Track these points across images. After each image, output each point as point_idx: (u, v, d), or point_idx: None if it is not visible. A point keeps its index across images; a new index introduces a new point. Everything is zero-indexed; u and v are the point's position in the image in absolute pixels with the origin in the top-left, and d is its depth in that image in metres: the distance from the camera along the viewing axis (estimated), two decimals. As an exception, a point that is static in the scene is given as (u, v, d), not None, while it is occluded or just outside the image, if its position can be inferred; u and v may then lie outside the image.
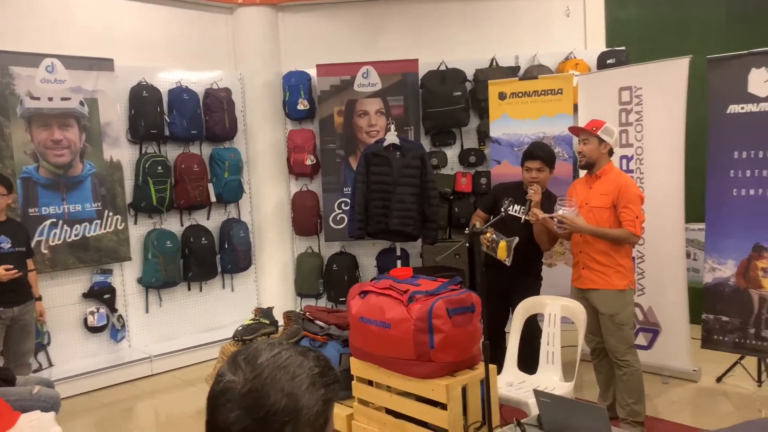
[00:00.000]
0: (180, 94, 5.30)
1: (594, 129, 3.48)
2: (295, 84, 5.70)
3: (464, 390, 2.82)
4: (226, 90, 5.60)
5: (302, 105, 5.69)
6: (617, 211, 3.40)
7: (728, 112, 3.90)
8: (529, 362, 3.46)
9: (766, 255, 3.80)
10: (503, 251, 3.35)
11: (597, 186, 3.51)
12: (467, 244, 3.17)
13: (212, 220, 5.63)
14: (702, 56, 4.06)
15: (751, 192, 3.85)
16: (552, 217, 3.48)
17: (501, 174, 4.99)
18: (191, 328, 5.52)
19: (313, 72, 5.66)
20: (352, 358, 3.15)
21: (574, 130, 3.68)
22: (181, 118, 5.25)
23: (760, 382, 4.01)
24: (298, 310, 4.12)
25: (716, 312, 4.04)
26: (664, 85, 4.08)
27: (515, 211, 3.74)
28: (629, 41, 5.55)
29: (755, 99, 3.80)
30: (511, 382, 3.35)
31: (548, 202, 3.67)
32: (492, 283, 3.71)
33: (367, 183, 4.93)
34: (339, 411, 3.22)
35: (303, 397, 0.98)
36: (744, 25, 5.40)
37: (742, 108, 3.85)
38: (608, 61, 5.33)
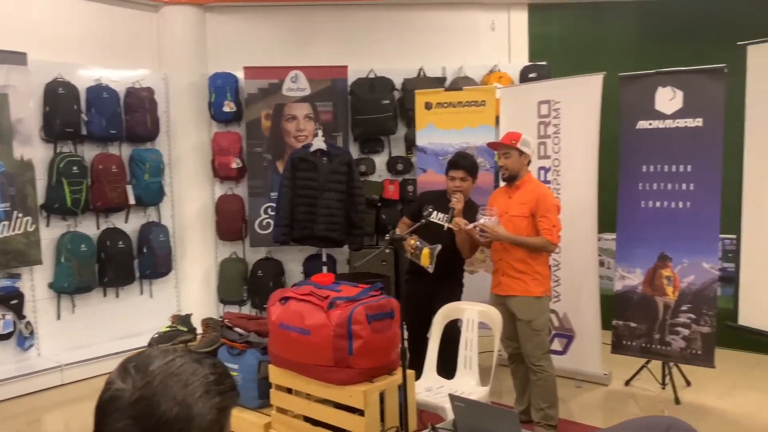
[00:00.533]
0: (99, 92, 5.11)
1: (513, 142, 3.57)
2: (221, 86, 5.60)
3: (382, 396, 2.84)
4: (149, 89, 5.44)
5: (228, 107, 5.60)
6: (536, 220, 3.52)
7: (638, 127, 4.12)
8: (450, 367, 3.52)
9: (670, 264, 4.03)
10: (426, 258, 3.39)
11: (516, 196, 3.61)
12: (387, 250, 3.19)
13: (131, 224, 5.44)
14: (616, 73, 4.27)
15: (658, 204, 4.07)
16: (474, 226, 3.56)
17: (427, 182, 5.07)
18: (106, 336, 5.31)
19: (240, 74, 5.59)
20: (270, 366, 3.12)
21: (494, 145, 3.78)
22: (99, 117, 5.06)
23: (663, 384, 4.23)
24: (217, 317, 4.03)
25: (625, 318, 4.24)
26: (580, 99, 4.26)
27: (438, 219, 3.80)
28: (551, 56, 5.76)
29: (662, 116, 4.02)
30: (430, 387, 3.40)
31: (471, 210, 3.75)
32: (415, 289, 3.78)
33: (294, 188, 4.90)
34: (256, 419, 3.17)
35: (196, 405, 0.95)
36: (654, 46, 5.71)
37: (650, 124, 4.07)
38: (530, 75, 5.52)
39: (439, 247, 3.49)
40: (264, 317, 3.57)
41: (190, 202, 5.79)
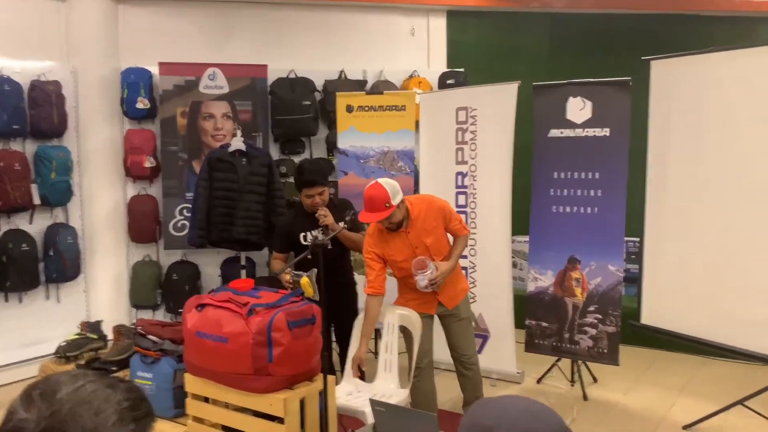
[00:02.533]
0: (1, 84, 4.79)
1: (387, 205, 3.23)
2: (134, 81, 5.38)
3: (303, 402, 2.83)
4: (56, 83, 5.14)
5: (142, 104, 5.39)
6: (449, 228, 3.51)
7: (549, 135, 4.29)
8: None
9: (579, 266, 4.22)
10: (308, 287, 3.13)
11: (415, 228, 3.43)
12: (309, 256, 3.17)
13: (36, 225, 5.13)
14: (530, 82, 4.43)
15: (568, 209, 4.26)
16: (426, 288, 3.40)
17: (348, 185, 5.07)
18: (8, 344, 4.98)
19: (155, 70, 5.39)
20: (186, 374, 3.04)
21: (368, 219, 3.34)
22: (1, 111, 4.75)
23: (573, 381, 4.43)
24: (130, 324, 3.88)
25: (537, 318, 4.41)
26: (496, 107, 4.39)
27: (319, 240, 3.74)
28: (468, 63, 5.90)
29: (572, 125, 4.21)
30: (350, 392, 3.41)
31: (337, 210, 3.83)
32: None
33: (211, 189, 4.78)
34: (172, 429, 3.09)
35: None
36: (567, 57, 5.97)
37: (561, 132, 4.25)
38: (448, 81, 5.63)
39: (314, 271, 3.28)
40: (179, 323, 3.47)
41: (100, 203, 5.53)
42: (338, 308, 3.86)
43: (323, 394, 2.81)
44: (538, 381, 4.55)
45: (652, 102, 4.00)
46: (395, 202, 3.26)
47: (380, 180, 3.34)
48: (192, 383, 3.02)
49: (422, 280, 3.36)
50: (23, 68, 5.02)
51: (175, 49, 5.59)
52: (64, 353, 3.66)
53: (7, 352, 4.92)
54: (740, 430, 3.72)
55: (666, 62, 3.93)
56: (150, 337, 3.44)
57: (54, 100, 5.08)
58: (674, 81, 3.88)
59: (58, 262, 5.14)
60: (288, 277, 3.44)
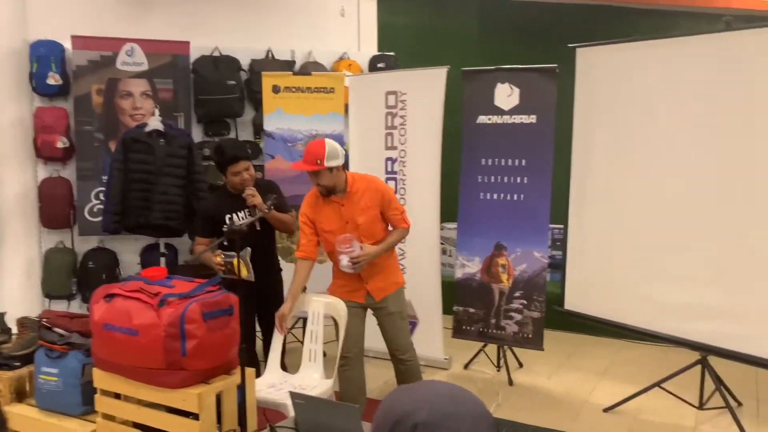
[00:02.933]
0: None
1: (318, 162, 3.18)
2: (45, 55, 5.01)
3: (220, 397, 2.71)
4: (-46, 56, 4.75)
5: (53, 80, 5.03)
6: (386, 215, 3.42)
7: (478, 122, 4.27)
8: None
9: (505, 253, 4.24)
10: (243, 268, 3.07)
11: (350, 202, 3.36)
12: (225, 243, 3.03)
13: (-67, 209, 4.75)
14: (460, 67, 4.39)
15: (495, 196, 4.26)
16: (349, 268, 3.33)
17: (275, 169, 4.92)
18: None
19: (67, 44, 5.05)
20: (95, 369, 2.86)
21: (297, 166, 3.36)
22: None
23: (498, 367, 4.47)
24: (35, 316, 3.63)
25: (465, 304, 4.42)
26: (425, 92, 4.33)
27: (242, 221, 3.65)
28: (399, 47, 5.83)
29: (500, 111, 4.20)
30: (273, 384, 3.30)
31: (263, 191, 3.67)
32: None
33: (126, 171, 4.52)
34: (80, 427, 2.91)
35: None
36: (496, 42, 5.99)
37: (489, 119, 4.24)
38: (379, 65, 5.54)
39: (248, 249, 3.26)
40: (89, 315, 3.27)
41: (8, 186, 5.15)
42: (264, 295, 3.77)
43: (240, 388, 2.69)
44: (465, 367, 4.57)
45: (578, 90, 4.04)
46: (327, 163, 3.19)
47: (327, 140, 3.29)
48: (101, 379, 2.85)
49: (344, 258, 3.29)
50: None
51: (89, 22, 5.25)
52: (-39, 348, 3.39)
53: None
54: (657, 411, 3.84)
55: (591, 50, 3.96)
56: (56, 329, 3.23)
57: (-48, 74, 4.68)
58: (599, 69, 3.93)
59: (-42, 250, 4.77)
60: (219, 259, 3.32)
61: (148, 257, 5.12)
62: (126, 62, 5.13)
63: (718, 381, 3.66)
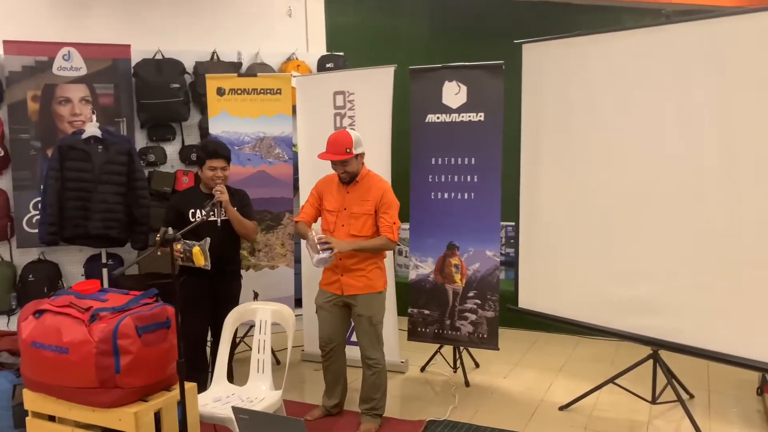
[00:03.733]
0: None
1: (347, 151, 3.36)
2: (-26, 61, 4.79)
3: (159, 415, 2.58)
4: None
5: (-15, 87, 4.81)
6: (377, 216, 3.44)
7: (427, 120, 4.21)
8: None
9: (457, 253, 4.19)
10: (199, 256, 3.20)
11: (356, 191, 3.48)
12: (159, 253, 2.91)
13: None
14: (409, 66, 4.32)
15: (446, 195, 4.21)
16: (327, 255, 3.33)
17: (222, 173, 4.77)
18: None
19: (-1, 49, 4.83)
20: (25, 390, 2.70)
21: (326, 157, 3.44)
22: None
23: (455, 368, 4.42)
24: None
25: (419, 306, 4.35)
26: (373, 91, 4.25)
27: (208, 218, 3.65)
28: (348, 47, 5.74)
29: (448, 110, 4.15)
30: (219, 397, 3.18)
31: (233, 197, 3.72)
32: (193, 292, 3.58)
33: (62, 180, 4.33)
34: (10, 453, 2.75)
35: None
36: (444, 40, 5.96)
37: (438, 118, 4.19)
38: (327, 65, 5.44)
39: (207, 240, 3.36)
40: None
41: (-62, 198, 4.90)
42: (220, 299, 3.71)
43: (181, 404, 2.57)
44: (422, 369, 4.51)
45: (525, 86, 4.00)
46: (356, 151, 3.39)
47: (348, 129, 3.56)
48: (32, 400, 2.69)
49: (314, 257, 3.32)
50: None
51: (22, 26, 5.02)
52: None
53: None
54: (611, 406, 3.84)
55: (536, 45, 3.94)
56: (-17, 349, 3.05)
57: None
58: (545, 64, 3.90)
59: None
60: (179, 246, 3.32)
61: (93, 268, 4.92)
62: (63, 67, 4.92)
63: (670, 375, 3.67)
